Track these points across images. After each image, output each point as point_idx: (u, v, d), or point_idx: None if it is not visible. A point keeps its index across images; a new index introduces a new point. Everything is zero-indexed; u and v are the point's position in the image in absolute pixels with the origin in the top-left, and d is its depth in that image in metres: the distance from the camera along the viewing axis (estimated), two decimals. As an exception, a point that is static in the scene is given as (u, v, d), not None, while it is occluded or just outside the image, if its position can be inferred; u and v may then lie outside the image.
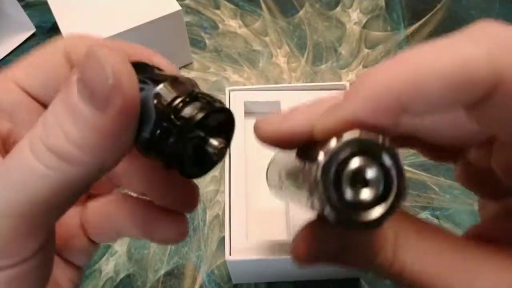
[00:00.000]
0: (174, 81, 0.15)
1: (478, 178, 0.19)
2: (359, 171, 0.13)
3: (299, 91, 0.43)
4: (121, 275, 0.42)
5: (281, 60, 0.57)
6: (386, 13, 0.62)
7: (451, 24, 0.60)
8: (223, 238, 0.43)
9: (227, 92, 0.42)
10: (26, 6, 0.61)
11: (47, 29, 0.61)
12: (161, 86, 0.14)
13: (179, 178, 0.16)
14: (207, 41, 0.59)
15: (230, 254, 0.34)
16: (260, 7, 0.63)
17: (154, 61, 0.17)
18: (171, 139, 0.14)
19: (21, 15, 0.58)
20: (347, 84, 0.43)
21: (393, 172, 0.13)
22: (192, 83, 0.16)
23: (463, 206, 0.45)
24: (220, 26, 0.61)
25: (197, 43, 0.59)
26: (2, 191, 0.13)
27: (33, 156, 0.13)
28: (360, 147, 0.13)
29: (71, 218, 0.21)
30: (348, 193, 0.13)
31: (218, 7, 0.63)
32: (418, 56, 0.13)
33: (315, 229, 0.16)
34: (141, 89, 0.14)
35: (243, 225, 0.36)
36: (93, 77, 0.13)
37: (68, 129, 0.13)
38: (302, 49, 0.58)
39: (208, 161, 0.16)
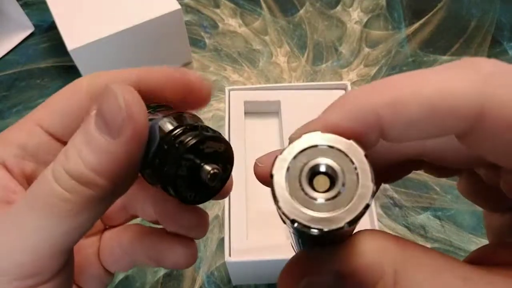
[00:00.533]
0: (179, 115, 0.17)
1: (483, 193, 0.18)
2: (314, 169, 0.13)
3: (299, 90, 0.43)
4: (120, 276, 0.42)
5: (281, 60, 0.57)
6: (387, 12, 0.62)
7: (451, 23, 0.60)
8: (222, 239, 0.43)
9: (227, 92, 0.42)
10: (24, 5, 0.61)
11: (46, 28, 0.61)
12: (166, 118, 0.17)
13: (188, 205, 0.17)
14: (206, 40, 0.59)
15: (230, 255, 0.34)
16: (260, 6, 0.62)
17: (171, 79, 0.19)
18: (167, 163, 0.16)
19: (19, 14, 0.58)
20: (348, 83, 0.43)
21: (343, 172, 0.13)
22: (196, 119, 0.18)
23: (464, 207, 0.45)
24: (220, 25, 0.61)
25: (196, 42, 0.58)
26: (27, 215, 0.15)
27: (55, 181, 0.15)
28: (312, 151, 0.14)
29: (88, 247, 0.23)
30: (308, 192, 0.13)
31: (218, 6, 0.63)
32: (403, 80, 0.13)
33: (304, 262, 0.15)
34: (150, 119, 0.17)
35: (243, 226, 0.35)
36: (108, 109, 0.15)
37: (85, 155, 0.15)
38: (303, 49, 0.58)
39: (205, 187, 0.17)
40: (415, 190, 0.46)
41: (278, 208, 0.13)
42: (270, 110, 0.43)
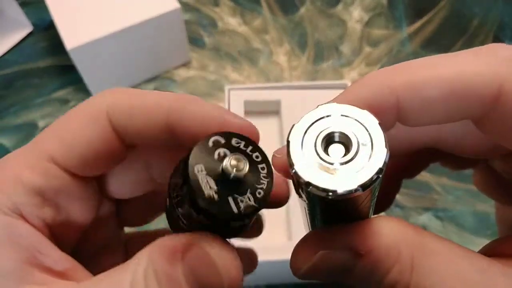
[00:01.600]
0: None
1: (498, 186, 0.18)
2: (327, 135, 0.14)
3: (299, 90, 0.43)
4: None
5: (282, 59, 0.57)
6: (388, 11, 0.61)
7: (453, 22, 0.60)
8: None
9: (226, 91, 0.41)
10: (23, 5, 0.61)
11: (44, 27, 0.60)
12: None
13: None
14: (206, 39, 0.59)
15: (229, 256, 0.34)
16: (260, 5, 0.62)
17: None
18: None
19: (18, 14, 0.58)
20: (349, 82, 0.42)
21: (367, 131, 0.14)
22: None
23: (466, 207, 0.45)
24: (220, 24, 0.60)
25: (196, 41, 0.58)
26: None
27: None
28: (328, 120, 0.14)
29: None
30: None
31: (217, 5, 0.62)
32: (423, 63, 0.13)
33: (319, 236, 0.16)
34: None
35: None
36: (207, 282, 0.14)
37: None
38: (303, 48, 0.58)
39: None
40: (416, 190, 0.46)
41: (294, 173, 0.13)
42: (270, 110, 0.43)
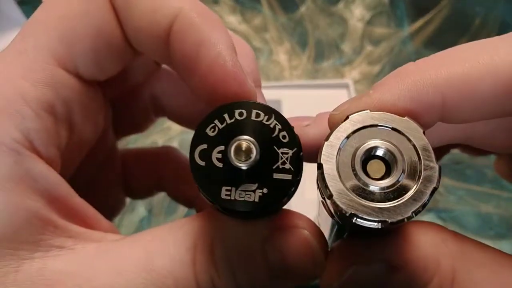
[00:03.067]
0: None
1: None
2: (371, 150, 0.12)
3: (300, 89, 0.42)
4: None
5: (282, 58, 0.56)
6: (390, 10, 0.61)
7: (455, 21, 0.59)
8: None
9: (226, 90, 0.41)
10: (21, 3, 0.60)
11: (43, 25, 0.60)
12: None
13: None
14: (206, 38, 0.58)
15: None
16: (260, 3, 0.62)
17: None
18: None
19: (15, 12, 0.57)
20: (350, 82, 0.42)
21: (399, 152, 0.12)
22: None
23: (468, 208, 0.44)
24: (220, 22, 0.60)
25: (196, 40, 0.58)
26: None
27: (196, 284, 0.14)
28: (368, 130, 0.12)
29: None
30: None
31: (217, 3, 0.62)
32: (470, 51, 0.11)
33: (351, 250, 0.14)
34: None
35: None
36: (299, 268, 0.14)
37: (239, 279, 0.14)
38: (304, 46, 0.57)
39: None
40: (418, 191, 0.45)
41: (332, 202, 0.11)
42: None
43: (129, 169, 0.22)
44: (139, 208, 0.44)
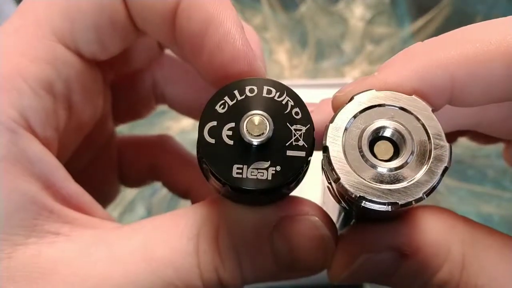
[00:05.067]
0: None
1: None
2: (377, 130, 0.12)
3: (300, 88, 0.42)
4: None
5: (282, 57, 0.56)
6: (391, 9, 0.61)
7: (456, 20, 0.59)
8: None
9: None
10: (19, 2, 0.60)
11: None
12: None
13: None
14: (206, 37, 0.58)
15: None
16: (260, 2, 0.61)
17: None
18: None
19: (14, 11, 0.57)
20: (351, 81, 0.42)
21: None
22: None
23: (469, 208, 0.44)
24: (220, 22, 0.60)
25: (196, 40, 0.57)
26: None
27: (199, 279, 0.13)
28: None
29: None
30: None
31: (217, 3, 0.62)
32: (480, 30, 0.11)
33: (360, 238, 0.14)
34: None
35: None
36: (306, 260, 0.13)
37: (246, 273, 0.14)
38: (304, 46, 0.57)
39: None
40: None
41: (339, 185, 0.11)
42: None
43: (125, 156, 0.21)
44: (138, 208, 0.44)
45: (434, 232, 0.13)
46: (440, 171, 0.11)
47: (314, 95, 0.41)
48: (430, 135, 0.11)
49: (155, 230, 0.13)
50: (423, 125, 0.11)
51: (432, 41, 0.12)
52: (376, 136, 0.12)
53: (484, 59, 0.11)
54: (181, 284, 0.13)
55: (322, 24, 0.59)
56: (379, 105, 0.12)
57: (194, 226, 0.13)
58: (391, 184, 0.11)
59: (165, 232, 0.13)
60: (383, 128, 0.11)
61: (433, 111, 0.11)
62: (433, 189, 0.11)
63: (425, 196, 0.11)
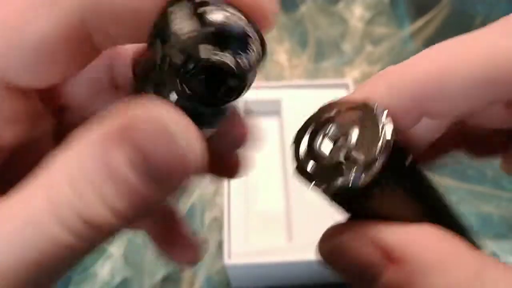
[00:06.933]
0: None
1: None
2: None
3: (300, 89, 0.42)
4: (117, 279, 0.41)
5: (282, 57, 0.56)
6: (390, 9, 0.61)
7: (456, 20, 0.59)
8: (222, 241, 0.42)
9: (226, 90, 0.41)
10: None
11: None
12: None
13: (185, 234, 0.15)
14: (206, 37, 0.58)
15: (229, 257, 0.34)
16: (261, 3, 0.61)
17: None
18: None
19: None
20: (350, 81, 0.42)
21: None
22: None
23: (470, 208, 0.44)
24: (220, 22, 0.60)
25: (196, 40, 0.58)
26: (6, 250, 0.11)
27: (59, 225, 0.11)
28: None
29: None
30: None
31: (217, 3, 0.62)
32: (447, 48, 0.12)
33: (348, 226, 0.13)
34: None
35: (242, 228, 0.35)
36: (159, 155, 0.11)
37: (110, 198, 0.11)
38: (304, 46, 0.57)
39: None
40: (419, 191, 0.45)
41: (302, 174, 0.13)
42: (271, 110, 0.42)
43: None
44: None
45: (433, 248, 0.12)
46: (378, 148, 0.12)
47: (314, 95, 0.41)
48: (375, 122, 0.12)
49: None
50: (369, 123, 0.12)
51: (405, 62, 0.13)
52: (327, 135, 0.13)
53: (449, 73, 0.12)
54: (44, 246, 0.11)
55: (322, 24, 0.60)
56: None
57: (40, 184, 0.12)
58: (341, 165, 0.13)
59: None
60: (331, 125, 0.13)
61: (389, 115, 0.12)
62: (371, 163, 0.12)
63: (364, 171, 0.12)
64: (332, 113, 0.13)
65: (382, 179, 0.12)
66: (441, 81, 0.12)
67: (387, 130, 0.12)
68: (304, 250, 0.33)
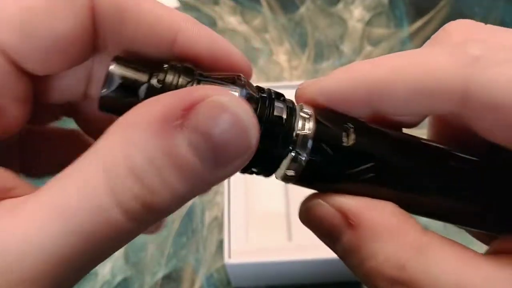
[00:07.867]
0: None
1: None
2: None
3: (300, 89, 0.42)
4: (118, 278, 0.41)
5: (282, 58, 0.56)
6: (389, 10, 0.61)
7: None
8: (222, 241, 0.42)
9: (226, 91, 0.41)
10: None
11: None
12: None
13: None
14: (206, 38, 0.58)
15: (229, 257, 0.34)
16: (260, 4, 0.62)
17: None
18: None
19: None
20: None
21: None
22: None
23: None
24: (219, 23, 0.60)
25: (196, 41, 0.58)
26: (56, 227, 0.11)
27: (121, 213, 0.11)
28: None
29: None
30: None
31: (217, 3, 0.62)
32: (395, 60, 0.14)
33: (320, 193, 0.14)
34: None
35: (243, 227, 0.35)
36: (228, 142, 0.11)
37: (173, 183, 0.11)
38: (303, 47, 0.57)
39: None
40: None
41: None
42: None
43: (31, 147, 0.19)
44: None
45: (387, 217, 0.13)
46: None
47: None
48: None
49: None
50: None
51: (363, 62, 0.15)
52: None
53: (389, 82, 0.13)
54: (100, 230, 0.11)
55: (321, 25, 0.60)
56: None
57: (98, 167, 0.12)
58: None
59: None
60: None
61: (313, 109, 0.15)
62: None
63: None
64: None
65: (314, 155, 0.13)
66: (383, 89, 0.13)
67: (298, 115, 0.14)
68: (304, 250, 0.33)
